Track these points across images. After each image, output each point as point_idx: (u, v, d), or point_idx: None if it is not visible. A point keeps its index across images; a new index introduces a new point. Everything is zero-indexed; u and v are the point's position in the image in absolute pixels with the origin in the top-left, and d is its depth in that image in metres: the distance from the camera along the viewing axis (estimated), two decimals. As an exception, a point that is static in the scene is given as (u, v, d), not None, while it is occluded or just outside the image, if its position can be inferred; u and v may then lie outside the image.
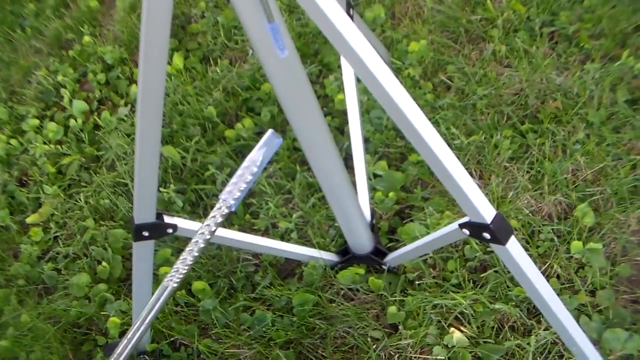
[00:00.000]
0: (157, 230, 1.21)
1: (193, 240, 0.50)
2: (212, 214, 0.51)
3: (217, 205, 0.51)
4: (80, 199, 1.89)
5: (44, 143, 2.13)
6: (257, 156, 0.51)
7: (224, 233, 1.35)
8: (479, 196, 0.96)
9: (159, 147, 1.04)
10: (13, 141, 2.20)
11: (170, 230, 1.22)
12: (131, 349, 0.49)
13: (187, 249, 0.50)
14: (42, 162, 2.07)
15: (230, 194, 0.52)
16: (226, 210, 0.52)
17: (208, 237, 0.50)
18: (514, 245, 1.00)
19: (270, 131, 0.53)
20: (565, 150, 1.57)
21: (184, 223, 1.25)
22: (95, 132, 2.10)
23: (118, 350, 0.49)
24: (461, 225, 1.04)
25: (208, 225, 0.51)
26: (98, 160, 2.02)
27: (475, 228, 1.00)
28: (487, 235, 0.99)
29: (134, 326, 0.50)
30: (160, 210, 1.24)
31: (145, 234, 1.20)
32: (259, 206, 1.66)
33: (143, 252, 1.27)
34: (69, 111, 2.20)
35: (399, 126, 0.90)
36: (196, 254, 0.50)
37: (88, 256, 1.77)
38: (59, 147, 2.10)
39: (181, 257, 0.49)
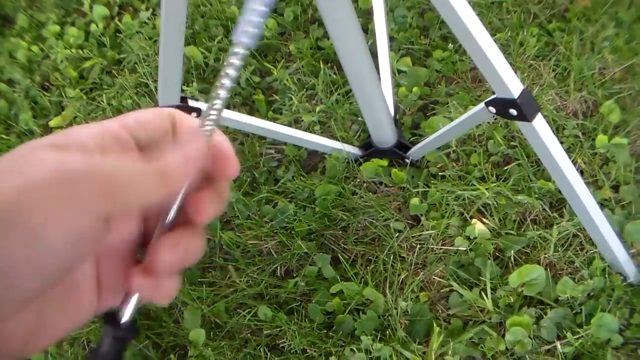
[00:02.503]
0: (182, 113, 1.21)
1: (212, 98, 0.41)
2: (229, 61, 0.41)
3: (234, 50, 0.41)
4: (102, 101, 1.90)
5: (65, 48, 2.12)
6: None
7: (250, 120, 1.35)
8: (507, 70, 0.95)
9: (184, 24, 1.03)
10: (34, 47, 2.19)
11: (194, 114, 1.22)
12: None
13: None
14: (64, 66, 2.07)
15: (246, 34, 0.41)
16: (245, 52, 0.42)
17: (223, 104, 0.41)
18: (540, 123, 1.00)
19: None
20: (593, 48, 1.54)
21: (208, 107, 1.24)
22: (117, 35, 2.08)
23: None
24: (487, 104, 1.04)
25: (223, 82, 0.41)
26: (120, 64, 2.02)
27: (502, 105, 1.00)
28: (513, 112, 0.98)
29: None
30: (185, 94, 1.24)
31: (170, 117, 1.20)
32: (282, 103, 1.66)
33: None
34: (89, 17, 2.19)
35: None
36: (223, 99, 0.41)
37: (111, 156, 1.78)
38: (80, 51, 2.09)
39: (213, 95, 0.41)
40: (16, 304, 0.31)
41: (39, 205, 0.30)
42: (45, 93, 2.05)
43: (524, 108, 0.96)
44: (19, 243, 0.29)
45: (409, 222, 1.42)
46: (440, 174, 1.44)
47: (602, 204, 1.34)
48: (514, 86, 0.96)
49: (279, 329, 1.35)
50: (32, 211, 0.30)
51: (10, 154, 0.32)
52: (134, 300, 0.39)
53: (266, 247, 1.45)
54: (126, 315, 0.39)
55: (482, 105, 1.06)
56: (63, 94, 2.00)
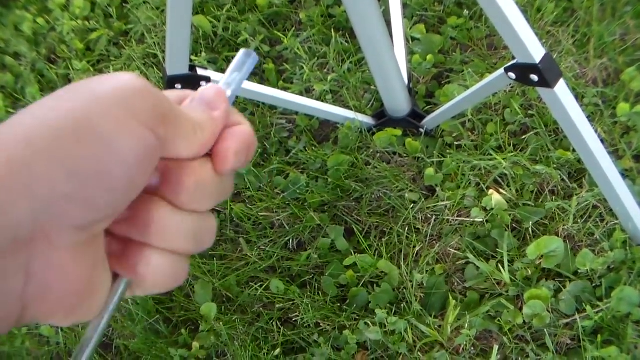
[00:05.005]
0: (190, 82, 1.18)
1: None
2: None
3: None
4: (110, 73, 1.86)
5: (71, 20, 2.09)
6: (229, 80, 0.41)
7: (260, 89, 1.32)
8: (528, 33, 0.92)
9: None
10: (39, 20, 2.16)
11: (203, 83, 1.19)
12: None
13: None
14: (70, 38, 2.03)
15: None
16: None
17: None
18: (562, 89, 0.96)
19: (242, 51, 0.42)
20: (614, 13, 1.49)
21: (217, 76, 1.22)
22: (123, 6, 2.05)
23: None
24: (507, 69, 1.00)
25: None
26: (127, 35, 1.98)
27: (523, 70, 0.96)
28: (534, 78, 0.95)
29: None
30: (194, 63, 1.21)
31: (178, 86, 1.18)
32: (293, 72, 1.62)
33: (176, 107, 1.24)
34: (95, -13, 2.15)
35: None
36: None
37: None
38: (86, 23, 2.06)
39: None
40: (88, 224, 0.30)
41: (109, 115, 0.30)
42: (51, 66, 2.02)
43: (546, 73, 0.93)
44: (91, 152, 0.30)
45: (424, 192, 1.39)
46: (455, 143, 1.40)
47: (623, 174, 1.30)
48: (536, 50, 0.92)
49: (291, 303, 1.33)
50: (102, 120, 0.30)
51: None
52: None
53: (278, 220, 1.43)
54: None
55: (501, 71, 1.02)
56: (70, 67, 1.97)
